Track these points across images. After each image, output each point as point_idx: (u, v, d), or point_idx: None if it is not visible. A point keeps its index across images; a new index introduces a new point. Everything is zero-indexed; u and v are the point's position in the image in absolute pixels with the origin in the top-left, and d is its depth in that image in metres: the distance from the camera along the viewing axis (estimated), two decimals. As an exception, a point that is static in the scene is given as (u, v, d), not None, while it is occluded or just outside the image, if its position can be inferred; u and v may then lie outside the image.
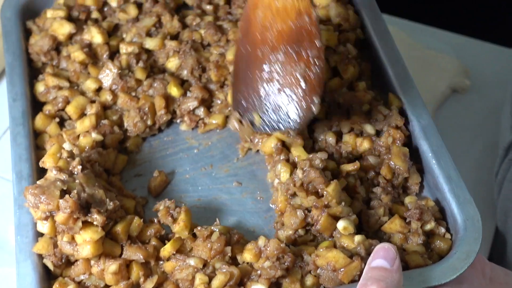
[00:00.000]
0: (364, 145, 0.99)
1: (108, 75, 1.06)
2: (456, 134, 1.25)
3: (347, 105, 1.02)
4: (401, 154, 0.97)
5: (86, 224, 0.87)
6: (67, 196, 0.86)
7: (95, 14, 1.14)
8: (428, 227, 0.93)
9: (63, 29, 1.10)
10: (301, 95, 0.92)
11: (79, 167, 0.91)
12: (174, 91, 1.05)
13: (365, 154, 0.99)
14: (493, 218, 1.16)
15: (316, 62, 0.91)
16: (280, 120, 0.94)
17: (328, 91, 1.04)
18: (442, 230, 0.93)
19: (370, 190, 0.97)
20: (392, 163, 0.97)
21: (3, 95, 1.09)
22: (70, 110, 1.03)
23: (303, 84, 0.91)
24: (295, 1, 0.92)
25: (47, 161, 0.92)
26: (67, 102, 1.04)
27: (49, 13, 1.12)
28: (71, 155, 0.93)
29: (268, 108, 0.94)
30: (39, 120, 1.03)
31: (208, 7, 1.16)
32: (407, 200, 0.96)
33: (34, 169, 0.97)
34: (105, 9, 1.16)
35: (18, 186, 0.95)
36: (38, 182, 0.88)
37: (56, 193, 0.86)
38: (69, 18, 1.13)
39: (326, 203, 0.91)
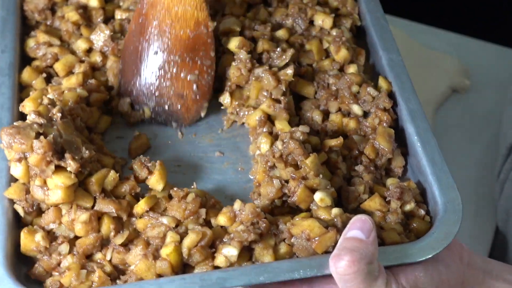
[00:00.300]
0: (350, 125, 0.98)
1: (99, 36, 1.05)
2: (456, 134, 1.24)
3: (336, 86, 1.01)
4: (386, 135, 0.96)
5: (59, 169, 0.86)
6: (41, 137, 0.84)
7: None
8: (408, 207, 0.91)
9: (60, -12, 1.10)
10: (192, 98, 1.00)
11: (59, 114, 0.89)
12: None
13: (351, 133, 0.98)
14: (493, 218, 1.15)
15: (209, 71, 1.00)
16: (170, 117, 1.01)
17: (319, 71, 1.03)
18: (422, 212, 0.91)
19: (352, 168, 0.95)
20: (377, 142, 0.95)
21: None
22: (58, 67, 1.02)
23: (195, 89, 1.00)
24: (194, 11, 0.97)
25: (27, 105, 0.91)
26: (56, 59, 1.03)
27: (47, -26, 1.12)
28: (52, 103, 0.91)
29: (159, 104, 1.01)
30: (26, 73, 1.02)
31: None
32: (389, 182, 0.95)
33: (15, 118, 0.96)
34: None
35: (-4, 131, 0.93)
36: (15, 123, 0.87)
37: (31, 134, 0.85)
38: (67, -20, 1.12)
39: (304, 175, 0.90)
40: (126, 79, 1.02)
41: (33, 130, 0.85)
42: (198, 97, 1.00)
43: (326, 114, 1.01)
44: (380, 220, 0.90)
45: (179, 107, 1.01)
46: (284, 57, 1.02)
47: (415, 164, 0.95)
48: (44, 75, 1.03)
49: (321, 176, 0.90)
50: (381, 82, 1.01)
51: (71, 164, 0.85)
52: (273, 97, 0.98)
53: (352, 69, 1.03)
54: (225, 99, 1.02)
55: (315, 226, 0.85)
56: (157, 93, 1.01)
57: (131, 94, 1.02)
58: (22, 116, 0.97)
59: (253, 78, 0.99)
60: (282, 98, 0.98)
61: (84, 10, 1.09)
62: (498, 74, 1.32)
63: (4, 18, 1.06)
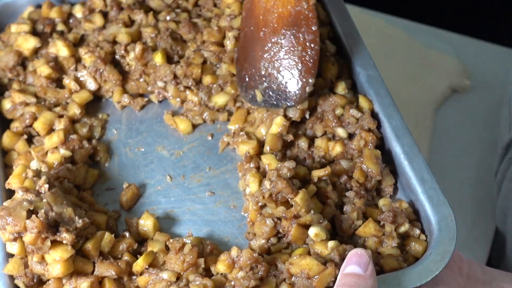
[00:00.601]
0: (336, 148, 0.98)
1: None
2: (456, 134, 1.25)
3: (321, 108, 1.01)
4: (373, 157, 0.96)
5: (55, 243, 0.86)
6: (33, 216, 0.84)
7: (60, 26, 1.13)
8: (402, 229, 0.92)
9: (28, 43, 1.08)
10: (298, 75, 0.98)
11: (46, 185, 0.89)
12: (158, 57, 1.07)
13: (338, 158, 0.98)
14: (493, 218, 1.16)
15: (312, 46, 0.97)
16: (279, 98, 1.00)
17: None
18: (417, 231, 0.92)
19: (343, 194, 0.96)
20: (365, 166, 0.96)
21: None
22: (38, 126, 1.02)
23: (300, 66, 0.97)
24: None
25: (12, 182, 0.91)
26: (34, 118, 1.03)
27: (13, 28, 1.11)
28: (37, 174, 0.91)
29: (269, 86, 1.00)
30: (7, 138, 1.01)
31: (177, 11, 1.15)
32: (381, 202, 0.96)
33: (2, 188, 0.95)
34: (71, 20, 1.14)
35: (-14, 206, 0.93)
36: (4, 204, 0.87)
37: (22, 214, 0.85)
38: (34, 32, 1.11)
39: (295, 213, 0.90)
40: (240, 66, 1.03)
41: (23, 208, 0.85)
42: (303, 74, 0.98)
43: (311, 140, 1.01)
44: (377, 246, 0.91)
45: (286, 86, 0.99)
46: None
47: (405, 182, 0.96)
48: (25, 136, 1.02)
49: (312, 212, 0.90)
50: (362, 102, 1.01)
51: (66, 237, 0.86)
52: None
53: (340, 87, 1.03)
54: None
55: (313, 264, 0.86)
56: (265, 74, 1.00)
57: (243, 81, 1.03)
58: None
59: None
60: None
61: (55, 62, 1.08)
62: (498, 74, 1.32)
63: (-24, 81, 1.05)
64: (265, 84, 1.00)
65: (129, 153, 1.04)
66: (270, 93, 1.00)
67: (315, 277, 0.86)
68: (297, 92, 0.98)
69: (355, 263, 0.84)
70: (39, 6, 1.15)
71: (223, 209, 0.98)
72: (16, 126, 1.03)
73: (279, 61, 0.99)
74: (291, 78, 0.99)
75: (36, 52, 1.10)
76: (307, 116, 1.02)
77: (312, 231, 0.89)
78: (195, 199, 0.99)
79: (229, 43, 1.08)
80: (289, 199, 0.91)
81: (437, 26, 1.41)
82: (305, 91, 0.98)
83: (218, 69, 1.08)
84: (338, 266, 0.86)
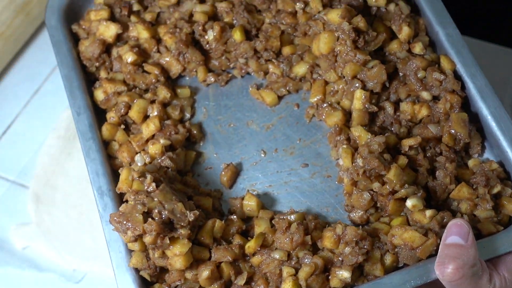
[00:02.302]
0: (422, 111, 1.01)
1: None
2: None
3: (403, 72, 1.04)
4: (461, 121, 0.99)
5: (173, 239, 0.93)
6: (150, 220, 0.91)
7: (136, 7, 1.15)
8: (495, 190, 0.96)
9: (110, 31, 1.11)
10: None
11: (153, 184, 0.95)
12: (237, 35, 1.09)
13: (425, 121, 1.01)
14: None
15: None
16: None
17: (388, 54, 1.05)
18: (509, 191, 0.97)
19: (433, 159, 0.99)
20: (453, 130, 0.99)
21: (3, 95, 1.15)
22: (134, 115, 1.07)
23: None
24: None
25: (122, 187, 0.97)
26: (128, 107, 1.07)
27: (92, 15, 1.13)
28: (143, 174, 0.97)
29: None
30: (106, 131, 1.06)
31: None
32: (471, 163, 1.00)
33: (112, 181, 1.02)
34: (145, -1, 1.16)
35: (101, 202, 1.00)
36: (120, 209, 0.94)
37: (139, 218, 0.91)
38: (112, 16, 1.14)
39: (390, 189, 0.95)
40: None
41: (138, 212, 0.92)
42: None
43: (396, 103, 1.04)
44: (472, 209, 0.96)
45: None
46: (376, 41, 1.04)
47: (493, 142, 0.99)
48: (123, 126, 1.07)
49: (406, 185, 0.95)
50: (444, 62, 1.03)
51: (182, 233, 0.93)
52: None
53: (417, 48, 1.04)
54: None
55: (416, 237, 0.92)
56: None
57: None
58: (115, 174, 1.04)
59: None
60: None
61: (138, 46, 1.11)
62: (498, 74, 1.30)
63: (68, 76, 1.09)
64: None
65: (221, 130, 1.09)
66: None
67: (418, 248, 0.91)
68: None
69: (456, 233, 0.89)
70: (111, -12, 1.17)
71: (318, 179, 1.03)
72: (112, 116, 1.08)
73: None
74: None
75: (118, 37, 1.12)
76: (387, 84, 1.04)
77: (410, 203, 0.95)
78: (291, 172, 1.04)
79: (299, 15, 1.09)
80: (382, 175, 0.95)
81: None
82: None
83: (296, 39, 1.10)
84: (438, 235, 0.91)
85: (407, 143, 0.99)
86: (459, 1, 1.54)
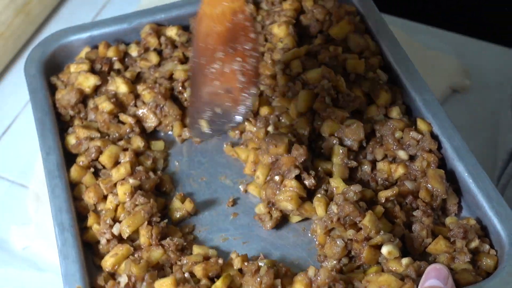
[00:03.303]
0: (399, 170, 1.01)
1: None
2: None
3: (380, 132, 1.04)
4: (438, 177, 0.98)
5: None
6: None
7: (117, 65, 1.16)
8: (473, 245, 0.94)
9: (89, 81, 1.11)
10: (239, 88, 0.94)
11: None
12: None
13: (401, 179, 1.00)
14: None
15: (252, 54, 0.94)
16: (224, 121, 0.96)
17: (366, 119, 1.06)
18: (487, 247, 0.94)
19: (410, 214, 0.97)
20: (430, 185, 0.98)
21: (3, 95, 1.12)
22: (104, 159, 1.04)
23: (240, 77, 0.94)
24: (230, 3, 0.95)
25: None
26: (100, 152, 1.05)
27: (73, 68, 1.14)
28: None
29: (213, 112, 0.96)
30: (75, 172, 1.03)
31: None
32: (448, 220, 0.98)
33: (74, 218, 0.97)
34: (126, 59, 1.18)
35: (61, 237, 0.95)
36: None
37: None
38: (92, 70, 1.14)
39: (365, 235, 0.92)
40: (191, 103, 1.00)
41: None
42: (244, 85, 0.95)
43: (373, 163, 1.03)
44: (449, 262, 0.92)
45: (229, 104, 0.95)
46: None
47: (470, 200, 0.98)
48: (92, 169, 1.04)
49: (382, 232, 0.92)
50: (420, 124, 1.04)
51: None
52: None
53: (395, 112, 1.05)
54: None
55: (391, 280, 0.87)
56: (208, 100, 0.97)
57: (191, 118, 0.99)
58: (79, 217, 0.99)
59: None
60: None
61: (115, 98, 1.11)
62: (498, 74, 1.31)
63: (41, 119, 1.07)
64: (209, 112, 0.96)
65: (193, 184, 1.06)
66: (215, 119, 0.96)
67: (395, 293, 0.87)
68: (242, 107, 0.94)
69: (434, 277, 0.85)
70: (94, 47, 1.18)
71: (291, 233, 1.00)
72: (82, 160, 1.05)
73: (220, 80, 0.95)
74: (233, 94, 0.95)
75: (96, 90, 1.12)
76: (364, 144, 1.04)
77: (385, 249, 0.91)
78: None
79: (278, 77, 1.11)
80: (357, 222, 0.93)
81: (437, 26, 1.41)
82: (249, 102, 0.94)
83: (274, 101, 1.11)
84: (415, 281, 0.87)
85: (383, 194, 0.97)
86: (459, 1, 1.56)
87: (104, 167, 1.05)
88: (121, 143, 1.07)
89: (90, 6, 1.21)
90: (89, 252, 0.98)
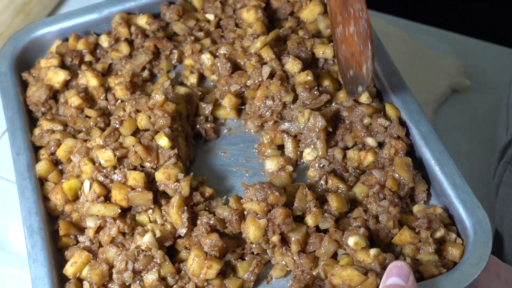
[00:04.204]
0: (368, 158, 0.99)
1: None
2: (456, 134, 1.25)
3: (349, 119, 1.03)
4: (404, 165, 0.97)
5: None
6: None
7: (88, 57, 1.15)
8: (438, 234, 0.93)
9: (58, 77, 1.11)
10: (358, 51, 0.97)
11: None
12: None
13: (369, 167, 0.99)
14: (493, 220, 1.16)
15: (361, 14, 0.96)
16: (356, 83, 0.99)
17: (335, 104, 1.04)
18: (453, 236, 0.93)
19: (378, 203, 0.96)
20: (397, 174, 0.97)
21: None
22: (60, 153, 1.03)
23: (356, 40, 0.96)
24: None
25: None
26: (59, 145, 1.04)
27: (43, 63, 1.13)
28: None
29: (352, 73, 0.99)
30: (41, 168, 1.03)
31: (200, 34, 1.17)
32: (416, 208, 0.97)
33: (44, 220, 0.98)
34: (98, 51, 1.17)
35: (30, 240, 0.96)
36: None
37: None
38: (63, 64, 1.14)
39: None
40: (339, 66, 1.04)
41: None
42: (361, 48, 0.97)
43: (344, 149, 1.02)
44: (414, 253, 0.92)
45: (355, 67, 0.98)
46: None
47: (437, 187, 0.97)
48: (60, 167, 1.04)
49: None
50: (389, 110, 1.02)
51: None
52: None
53: (364, 96, 1.04)
54: None
55: (354, 275, 0.87)
56: (343, 61, 1.01)
57: (344, 78, 1.03)
58: (50, 216, 1.00)
59: None
60: None
61: (86, 92, 1.10)
62: (498, 74, 1.31)
63: (11, 118, 1.08)
64: (351, 72, 0.99)
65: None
66: (352, 80, 1.00)
67: (357, 287, 0.87)
68: (362, 71, 0.96)
69: (396, 274, 0.85)
70: (66, 39, 1.18)
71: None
72: (42, 153, 1.05)
73: (345, 43, 0.99)
74: (355, 57, 0.98)
75: (66, 84, 1.12)
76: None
77: (352, 240, 0.91)
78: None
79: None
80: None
81: (437, 26, 1.41)
82: (368, 65, 0.95)
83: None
84: (379, 275, 0.87)
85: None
86: (459, 1, 1.57)
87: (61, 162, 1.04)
88: (81, 134, 1.06)
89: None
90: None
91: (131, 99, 1.05)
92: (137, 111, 1.04)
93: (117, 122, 1.03)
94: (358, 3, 0.96)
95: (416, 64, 1.17)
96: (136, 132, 1.03)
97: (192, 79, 1.12)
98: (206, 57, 1.11)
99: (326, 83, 1.06)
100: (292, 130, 1.04)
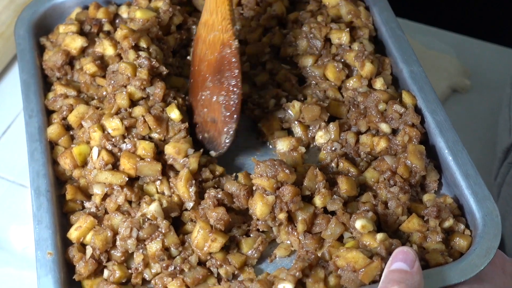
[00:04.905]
0: (381, 144, 0.99)
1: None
2: None
3: (364, 104, 1.02)
4: (417, 153, 0.96)
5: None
6: None
7: (107, 27, 1.15)
8: (447, 224, 0.92)
9: (75, 43, 1.11)
10: (222, 120, 0.99)
11: None
12: None
13: (382, 153, 0.98)
14: None
15: (234, 90, 0.98)
16: (209, 145, 1.02)
17: (348, 89, 1.04)
18: (462, 226, 0.92)
19: (388, 190, 0.96)
20: (409, 161, 0.96)
21: (3, 95, 1.13)
22: (71, 118, 1.03)
23: (223, 110, 0.99)
24: (220, 34, 0.99)
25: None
26: (71, 110, 1.04)
27: (61, 29, 1.13)
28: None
29: (202, 133, 1.03)
30: (52, 132, 1.02)
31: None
32: (426, 198, 0.96)
33: (52, 183, 0.98)
34: (117, 20, 1.16)
35: (37, 202, 0.95)
36: None
37: None
38: (81, 32, 1.13)
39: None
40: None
41: None
42: (226, 119, 1.00)
43: (358, 135, 1.01)
44: (421, 241, 0.91)
45: (213, 133, 1.02)
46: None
47: (449, 177, 0.96)
48: (71, 133, 1.04)
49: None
50: (405, 97, 1.01)
51: None
52: None
53: (379, 83, 1.03)
54: None
55: (359, 258, 0.86)
56: (200, 122, 1.03)
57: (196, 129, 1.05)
58: (58, 180, 1.00)
59: None
60: None
61: (101, 60, 1.10)
62: (498, 74, 1.31)
63: (27, 81, 1.08)
64: (201, 131, 1.03)
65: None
66: (204, 140, 1.03)
67: (361, 270, 0.86)
68: (221, 139, 1.00)
69: (401, 260, 0.84)
70: (86, 8, 1.17)
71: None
72: (54, 117, 1.04)
73: (208, 107, 1.01)
74: (216, 124, 1.00)
75: (83, 51, 1.12)
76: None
77: (359, 224, 0.90)
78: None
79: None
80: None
81: (437, 26, 1.41)
82: (228, 137, 0.99)
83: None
84: (384, 260, 0.86)
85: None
86: (459, 1, 1.56)
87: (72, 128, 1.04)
88: (94, 102, 1.06)
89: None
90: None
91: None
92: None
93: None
94: (234, 80, 0.98)
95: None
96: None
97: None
98: None
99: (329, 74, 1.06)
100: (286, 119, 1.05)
